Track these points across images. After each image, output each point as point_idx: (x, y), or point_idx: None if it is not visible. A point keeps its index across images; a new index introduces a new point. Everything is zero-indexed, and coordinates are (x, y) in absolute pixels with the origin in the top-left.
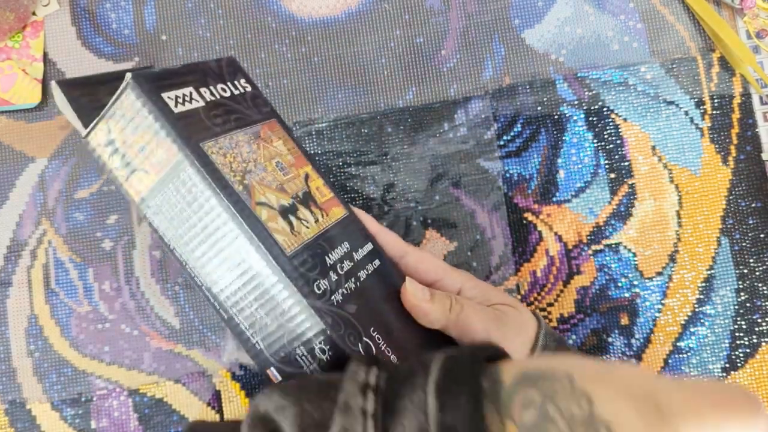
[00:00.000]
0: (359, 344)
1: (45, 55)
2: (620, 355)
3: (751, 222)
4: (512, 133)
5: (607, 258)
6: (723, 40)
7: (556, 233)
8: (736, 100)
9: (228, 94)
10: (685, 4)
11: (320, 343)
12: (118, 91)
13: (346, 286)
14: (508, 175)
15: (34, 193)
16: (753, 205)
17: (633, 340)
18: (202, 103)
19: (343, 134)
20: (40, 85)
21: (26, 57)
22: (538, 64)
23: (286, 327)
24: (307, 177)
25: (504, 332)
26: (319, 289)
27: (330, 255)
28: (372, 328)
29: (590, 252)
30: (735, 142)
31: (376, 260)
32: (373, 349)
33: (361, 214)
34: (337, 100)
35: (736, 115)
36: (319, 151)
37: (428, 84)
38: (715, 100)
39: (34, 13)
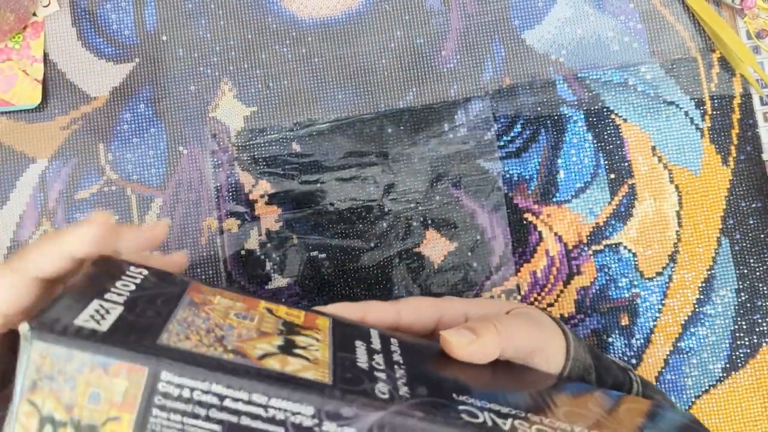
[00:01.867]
0: (459, 415)
1: (45, 55)
2: (620, 355)
3: (751, 222)
4: (512, 134)
5: (607, 258)
6: (723, 41)
7: (556, 233)
8: (737, 101)
9: (133, 286)
10: (685, 4)
11: None
12: (23, 355)
13: (398, 376)
14: (508, 175)
15: (35, 194)
16: (753, 205)
17: (633, 341)
18: (120, 308)
19: (344, 135)
20: (40, 86)
21: (27, 58)
22: (538, 64)
23: None
24: (270, 310)
25: (543, 331)
26: (383, 393)
27: (359, 360)
28: (453, 394)
29: (590, 252)
30: (735, 142)
31: (391, 338)
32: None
33: (333, 309)
34: (337, 101)
35: (736, 116)
36: (319, 152)
37: (428, 84)
38: (715, 101)
39: (34, 14)
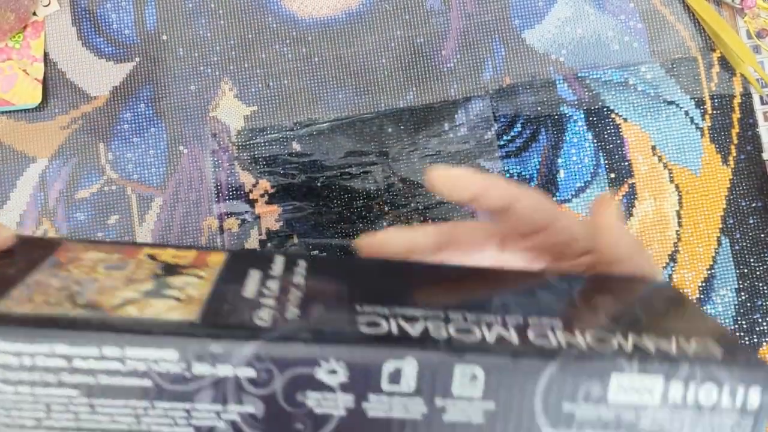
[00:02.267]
0: (356, 327)
1: (45, 55)
2: None
3: (751, 222)
4: (512, 133)
5: None
6: (723, 40)
7: None
8: (737, 100)
9: None
10: (686, 4)
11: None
12: None
13: (291, 298)
14: (508, 174)
15: (35, 193)
16: (753, 204)
17: None
18: None
19: (344, 134)
20: (40, 85)
21: (27, 57)
22: (539, 64)
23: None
24: (152, 256)
25: (646, 260)
26: (263, 321)
27: (244, 290)
28: (357, 306)
29: None
30: (735, 141)
31: (302, 259)
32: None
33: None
34: (337, 100)
35: (736, 115)
36: (320, 151)
37: (429, 84)
38: (716, 100)
39: (34, 14)
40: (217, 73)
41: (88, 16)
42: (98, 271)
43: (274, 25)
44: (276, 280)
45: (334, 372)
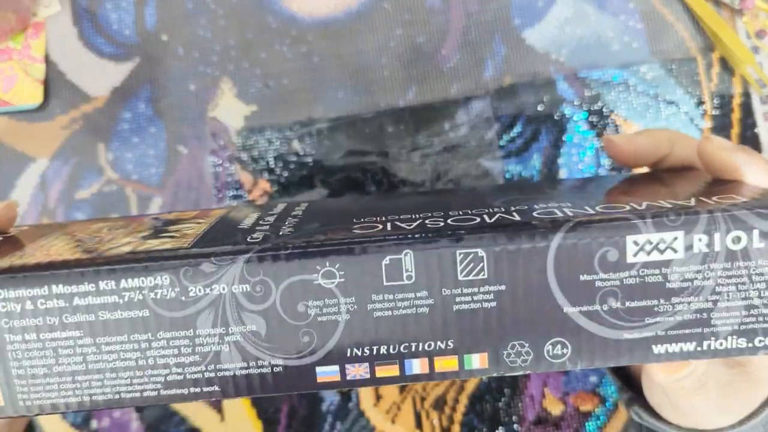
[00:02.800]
0: (352, 233)
1: (46, 55)
2: None
3: None
4: (513, 133)
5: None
6: (722, 40)
7: None
8: (736, 100)
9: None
10: (685, 4)
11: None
12: None
13: (287, 224)
14: (509, 174)
15: (35, 194)
16: None
17: None
18: None
19: (344, 134)
20: (41, 86)
21: (27, 58)
22: (539, 63)
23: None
24: (157, 218)
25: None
26: (254, 239)
27: (241, 224)
28: (354, 219)
29: None
30: (735, 142)
31: (301, 203)
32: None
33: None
34: (337, 100)
35: (736, 115)
36: (320, 151)
37: (429, 83)
38: (715, 100)
39: (35, 14)
40: (216, 73)
41: (88, 16)
42: (102, 231)
43: (274, 25)
44: (274, 215)
45: (331, 276)
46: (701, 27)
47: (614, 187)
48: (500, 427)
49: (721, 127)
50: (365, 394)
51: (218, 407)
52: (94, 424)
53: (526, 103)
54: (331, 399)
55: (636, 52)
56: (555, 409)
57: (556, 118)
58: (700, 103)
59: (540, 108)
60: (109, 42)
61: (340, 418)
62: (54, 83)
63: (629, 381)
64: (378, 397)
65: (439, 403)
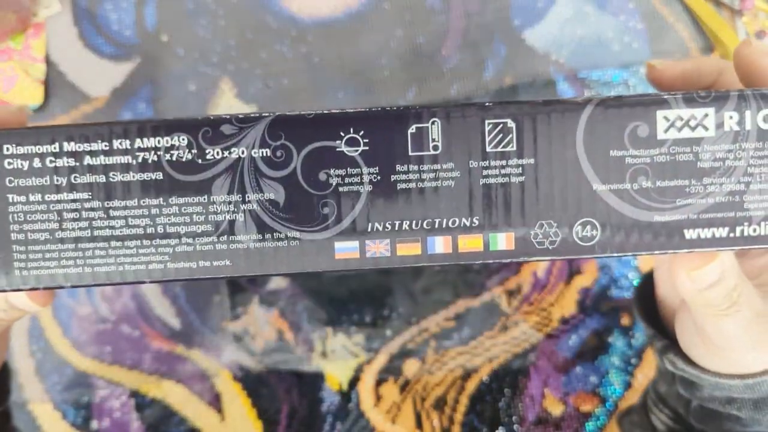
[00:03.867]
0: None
1: (47, 56)
2: (621, 355)
3: None
4: None
5: (609, 258)
6: (722, 41)
7: None
8: None
9: None
10: (685, 4)
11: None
12: None
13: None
14: None
15: None
16: None
17: (634, 341)
18: None
19: None
20: (41, 86)
21: (28, 58)
22: (539, 64)
23: None
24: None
25: None
26: (279, 109)
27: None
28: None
29: None
30: None
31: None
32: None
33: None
34: (337, 100)
35: None
36: None
37: (429, 84)
38: None
39: (35, 14)
40: (216, 73)
41: (88, 16)
42: None
43: (274, 25)
44: None
45: (355, 143)
46: (701, 27)
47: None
48: (500, 428)
49: None
50: (365, 395)
51: (218, 408)
52: (94, 424)
53: None
54: (331, 399)
55: (636, 52)
56: (555, 409)
57: None
58: None
59: None
60: (109, 42)
61: (340, 418)
62: (54, 83)
63: (664, 332)
64: (378, 398)
65: (439, 404)
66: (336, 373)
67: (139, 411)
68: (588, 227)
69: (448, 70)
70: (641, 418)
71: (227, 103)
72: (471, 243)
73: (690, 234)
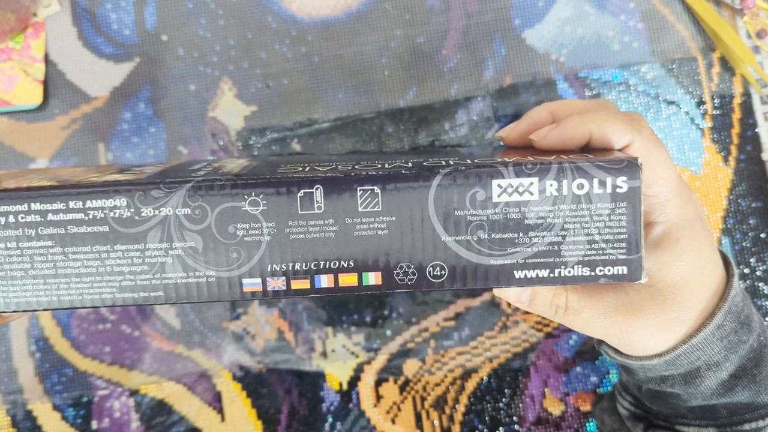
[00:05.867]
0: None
1: (46, 56)
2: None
3: (751, 222)
4: None
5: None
6: (723, 40)
7: None
8: (737, 100)
9: None
10: (686, 4)
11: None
12: None
13: (230, 166)
14: None
15: None
16: (753, 204)
17: None
18: None
19: (344, 134)
20: (41, 86)
21: (27, 58)
22: (539, 63)
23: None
24: (125, 165)
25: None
26: (199, 175)
27: (195, 166)
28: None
29: None
30: (735, 141)
31: (257, 158)
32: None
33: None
34: (337, 100)
35: (736, 115)
36: (320, 151)
37: (429, 84)
38: (716, 100)
39: (35, 14)
40: (216, 73)
41: (88, 16)
42: (76, 171)
43: (274, 25)
44: (224, 165)
45: (256, 204)
46: (702, 27)
47: (506, 150)
48: (500, 428)
49: (722, 126)
50: (365, 395)
51: (218, 408)
52: (94, 424)
53: (526, 103)
54: (331, 399)
55: (636, 51)
56: (555, 409)
57: None
58: (701, 102)
59: None
60: (108, 42)
61: (340, 418)
62: (54, 83)
63: None
64: (378, 398)
65: (439, 403)
66: (336, 373)
67: (139, 411)
68: (438, 268)
69: (447, 69)
70: (610, 405)
71: (227, 103)
72: (348, 279)
73: (519, 274)
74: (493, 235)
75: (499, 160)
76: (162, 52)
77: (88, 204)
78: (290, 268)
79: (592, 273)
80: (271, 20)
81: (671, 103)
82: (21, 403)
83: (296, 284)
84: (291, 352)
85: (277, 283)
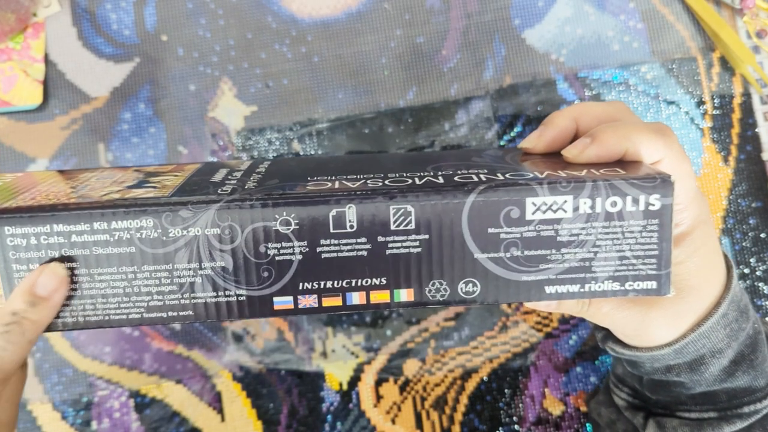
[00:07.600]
0: (305, 186)
1: (46, 56)
2: None
3: (751, 222)
4: (513, 133)
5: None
6: (723, 40)
7: None
8: (737, 100)
9: None
10: (685, 4)
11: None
12: None
13: (252, 179)
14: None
15: None
16: (753, 204)
17: None
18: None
19: (344, 134)
20: (41, 86)
21: (27, 58)
22: (539, 63)
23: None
24: (138, 170)
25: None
26: (224, 191)
27: (212, 178)
28: (308, 177)
29: None
30: (735, 141)
31: (265, 161)
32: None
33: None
34: (337, 100)
35: (736, 115)
36: (320, 151)
37: (429, 84)
38: (716, 100)
39: (34, 14)
40: (216, 73)
41: (88, 16)
42: (91, 180)
43: (274, 25)
44: (241, 172)
45: (287, 223)
46: (701, 27)
47: (526, 158)
48: (500, 428)
49: (722, 126)
50: (365, 395)
51: (218, 408)
52: (94, 424)
53: (526, 103)
54: (331, 399)
55: (636, 51)
56: (555, 409)
57: None
58: (701, 102)
59: (540, 108)
60: (108, 42)
61: (340, 418)
62: (54, 83)
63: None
64: (378, 398)
65: (439, 403)
66: (336, 373)
67: (139, 411)
68: (470, 284)
69: (447, 69)
70: (606, 398)
71: (227, 103)
72: (380, 296)
73: (550, 289)
74: (525, 252)
75: (531, 175)
76: (162, 53)
77: (114, 225)
78: (322, 286)
79: (622, 287)
80: (271, 20)
81: (671, 103)
82: (21, 404)
83: (328, 302)
84: (291, 352)
85: (309, 301)
